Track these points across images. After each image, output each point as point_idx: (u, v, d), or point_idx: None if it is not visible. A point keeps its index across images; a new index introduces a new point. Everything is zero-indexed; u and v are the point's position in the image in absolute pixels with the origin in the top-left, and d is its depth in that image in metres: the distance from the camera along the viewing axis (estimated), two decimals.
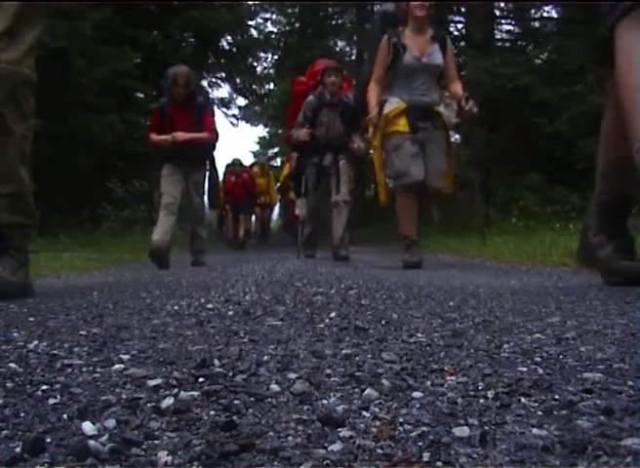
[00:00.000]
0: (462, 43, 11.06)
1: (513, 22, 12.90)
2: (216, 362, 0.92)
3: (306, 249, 5.27)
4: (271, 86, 16.64)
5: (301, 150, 5.14)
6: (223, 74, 14.65)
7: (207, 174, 4.84)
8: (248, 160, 12.33)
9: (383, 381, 0.80)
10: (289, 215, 10.45)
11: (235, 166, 10.11)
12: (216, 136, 4.76)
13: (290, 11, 16.28)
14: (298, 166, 8.59)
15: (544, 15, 12.13)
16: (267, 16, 16.33)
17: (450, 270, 3.30)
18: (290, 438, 0.59)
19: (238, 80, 15.05)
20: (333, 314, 1.46)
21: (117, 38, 9.29)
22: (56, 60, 7.55)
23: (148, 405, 0.70)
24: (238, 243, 9.48)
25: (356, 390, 0.77)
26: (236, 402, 0.71)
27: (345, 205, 4.84)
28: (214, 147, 4.87)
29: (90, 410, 0.67)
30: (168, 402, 0.70)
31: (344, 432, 0.61)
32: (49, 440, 0.59)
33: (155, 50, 10.44)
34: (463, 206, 9.19)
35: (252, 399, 0.73)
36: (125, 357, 0.97)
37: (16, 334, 1.20)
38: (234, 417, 0.65)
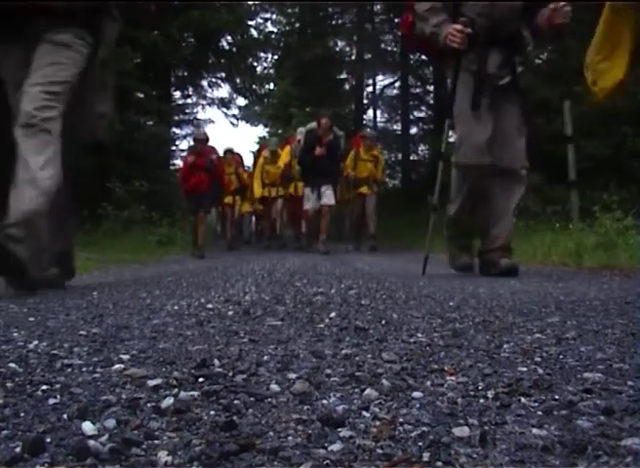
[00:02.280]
0: None
1: None
2: (216, 362, 0.92)
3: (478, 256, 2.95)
4: (271, 86, 16.67)
5: (438, 52, 2.91)
6: (223, 74, 14.67)
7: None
8: (248, 160, 11.91)
9: (383, 381, 0.80)
10: (290, 211, 9.28)
11: (198, 142, 7.11)
12: None
13: (290, 11, 16.30)
14: (306, 146, 6.56)
15: None
16: (267, 16, 16.37)
17: (450, 270, 3.29)
18: (290, 438, 0.59)
19: (238, 80, 15.07)
20: (333, 314, 1.46)
21: (117, 38, 9.27)
22: None
23: (148, 405, 0.70)
24: (197, 248, 6.75)
25: (356, 390, 0.77)
26: (236, 402, 0.71)
27: (521, 180, 2.88)
28: None
29: (90, 410, 0.67)
30: (168, 402, 0.70)
31: (344, 432, 0.61)
32: (49, 440, 0.58)
33: (155, 50, 10.44)
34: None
35: (252, 399, 0.73)
36: (125, 357, 0.97)
37: (16, 334, 1.20)
38: (234, 417, 0.65)
